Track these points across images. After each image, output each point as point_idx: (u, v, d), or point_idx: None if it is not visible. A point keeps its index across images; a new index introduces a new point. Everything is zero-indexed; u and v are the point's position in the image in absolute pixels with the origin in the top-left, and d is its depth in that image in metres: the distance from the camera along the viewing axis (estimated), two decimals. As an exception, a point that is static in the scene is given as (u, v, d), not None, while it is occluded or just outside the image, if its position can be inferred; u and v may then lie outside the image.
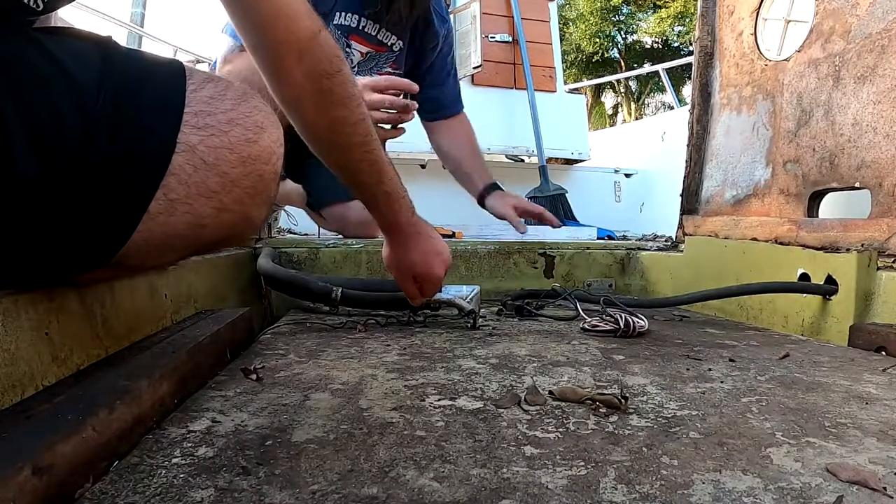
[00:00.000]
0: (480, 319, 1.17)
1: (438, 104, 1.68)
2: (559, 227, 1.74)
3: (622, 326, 1.06)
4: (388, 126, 1.22)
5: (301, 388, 0.70)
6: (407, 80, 1.23)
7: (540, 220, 1.73)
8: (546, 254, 1.63)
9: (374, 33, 1.52)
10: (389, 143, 2.82)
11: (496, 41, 3.24)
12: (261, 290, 1.34)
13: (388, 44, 1.56)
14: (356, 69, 1.60)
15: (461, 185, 1.75)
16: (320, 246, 1.49)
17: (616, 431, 0.58)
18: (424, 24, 1.58)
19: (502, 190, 1.70)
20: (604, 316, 1.12)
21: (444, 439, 0.55)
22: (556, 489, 0.45)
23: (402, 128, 1.24)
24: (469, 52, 3.13)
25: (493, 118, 3.19)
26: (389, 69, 1.65)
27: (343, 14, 1.49)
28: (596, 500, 0.44)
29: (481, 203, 1.71)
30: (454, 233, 1.83)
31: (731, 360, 0.89)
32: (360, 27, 1.50)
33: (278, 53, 0.66)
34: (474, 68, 3.13)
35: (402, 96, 1.22)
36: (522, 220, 1.70)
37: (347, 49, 1.53)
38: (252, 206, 0.59)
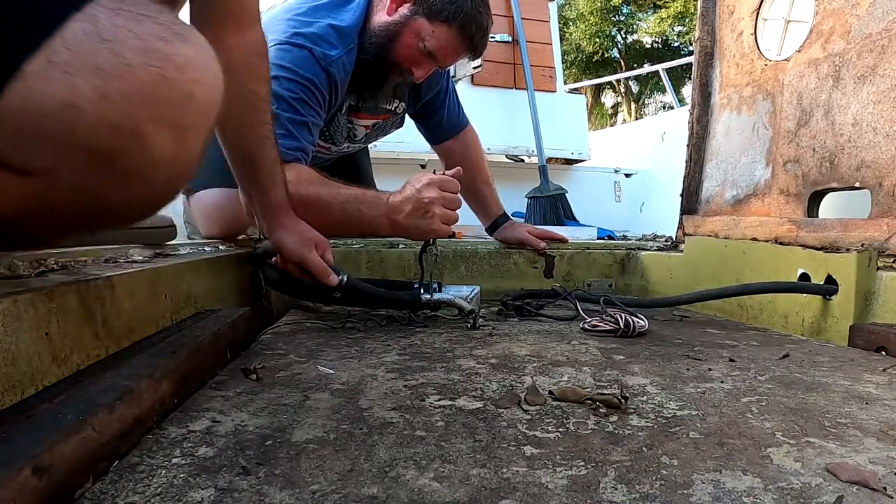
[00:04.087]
0: (480, 319, 1.17)
1: (442, 128, 1.65)
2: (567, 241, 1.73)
3: (622, 326, 1.06)
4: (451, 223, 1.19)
5: (301, 388, 0.70)
6: (454, 181, 1.18)
7: (562, 241, 1.71)
8: (546, 254, 1.63)
9: (374, 104, 1.48)
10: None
11: (496, 41, 3.23)
12: (261, 290, 1.34)
13: (392, 108, 1.53)
14: (363, 140, 1.57)
15: (469, 206, 1.70)
16: None
17: (616, 431, 0.58)
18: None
19: (510, 220, 1.70)
20: (604, 316, 1.12)
21: (444, 439, 0.55)
22: (556, 489, 0.45)
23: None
24: (469, 52, 3.13)
25: (493, 118, 3.19)
26: (395, 129, 1.64)
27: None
28: (596, 500, 0.44)
29: (490, 231, 1.70)
30: (454, 233, 1.82)
31: (731, 360, 0.89)
32: (360, 104, 1.45)
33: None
34: (474, 68, 3.12)
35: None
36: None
37: (350, 125, 1.48)
38: (148, 117, 0.45)
